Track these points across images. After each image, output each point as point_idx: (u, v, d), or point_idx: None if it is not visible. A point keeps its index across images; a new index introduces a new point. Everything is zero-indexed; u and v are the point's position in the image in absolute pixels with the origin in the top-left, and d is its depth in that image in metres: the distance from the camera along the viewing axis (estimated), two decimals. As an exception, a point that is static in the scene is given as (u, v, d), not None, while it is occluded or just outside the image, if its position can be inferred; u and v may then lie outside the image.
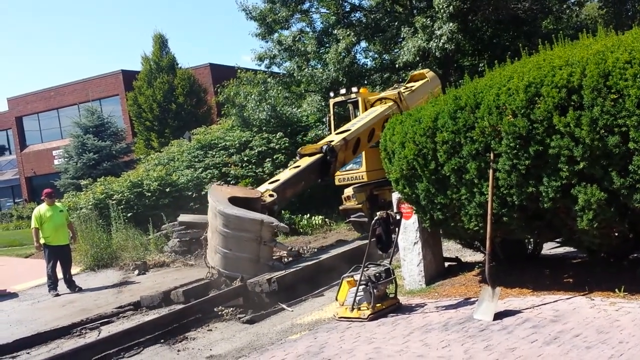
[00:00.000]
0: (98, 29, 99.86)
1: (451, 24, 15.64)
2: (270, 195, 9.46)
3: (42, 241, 11.32)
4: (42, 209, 11.42)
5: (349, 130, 11.06)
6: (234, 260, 8.51)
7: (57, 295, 11.09)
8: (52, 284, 11.26)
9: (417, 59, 16.77)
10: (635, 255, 6.45)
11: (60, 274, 11.44)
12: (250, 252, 8.57)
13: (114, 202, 15.22)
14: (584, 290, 5.76)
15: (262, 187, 10.09)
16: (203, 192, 15.90)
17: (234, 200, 8.99)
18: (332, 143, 10.45)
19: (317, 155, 10.24)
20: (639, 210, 5.02)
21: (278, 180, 10.19)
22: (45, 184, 31.89)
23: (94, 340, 7.27)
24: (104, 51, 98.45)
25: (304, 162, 10.36)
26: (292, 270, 8.50)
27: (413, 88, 12.93)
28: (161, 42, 28.41)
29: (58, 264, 11.39)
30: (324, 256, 9.38)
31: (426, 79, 13.18)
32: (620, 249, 6.03)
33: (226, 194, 9.26)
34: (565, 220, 5.55)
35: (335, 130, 12.32)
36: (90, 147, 24.74)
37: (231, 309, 7.96)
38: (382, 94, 12.93)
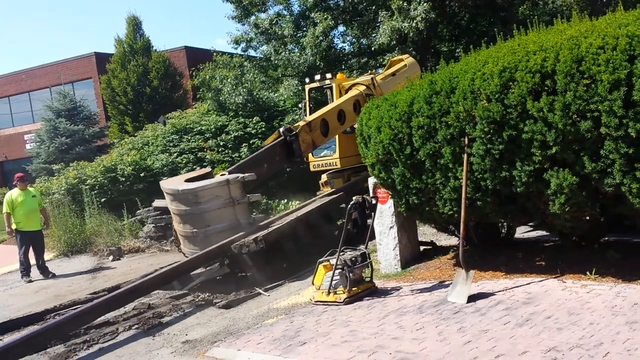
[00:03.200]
0: (70, 10, 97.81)
1: (425, 5, 15.63)
2: (222, 175, 9.40)
3: (13, 226, 11.14)
4: (14, 193, 11.23)
5: (314, 113, 11.07)
6: (216, 235, 8.40)
7: (30, 281, 10.95)
8: (25, 270, 11.11)
9: (393, 42, 16.73)
10: (606, 238, 6.57)
11: (33, 260, 11.28)
12: (229, 219, 8.48)
13: (87, 187, 15.04)
14: (556, 272, 5.86)
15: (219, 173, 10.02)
16: (179, 177, 15.77)
17: (190, 180, 8.94)
18: (295, 126, 10.42)
19: (278, 140, 10.20)
20: (610, 195, 5.10)
21: (235, 165, 10.16)
22: (17, 168, 31.30)
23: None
24: (76, 33, 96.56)
25: (265, 147, 10.34)
26: (275, 227, 8.41)
27: (387, 73, 12.93)
28: (135, 24, 27.90)
29: (30, 249, 11.24)
30: (303, 211, 9.30)
31: (404, 64, 13.18)
32: (591, 232, 6.13)
33: (180, 179, 9.22)
34: (537, 204, 5.62)
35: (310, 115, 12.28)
36: (62, 131, 24.32)
37: (207, 294, 7.94)
38: (356, 80, 12.92)
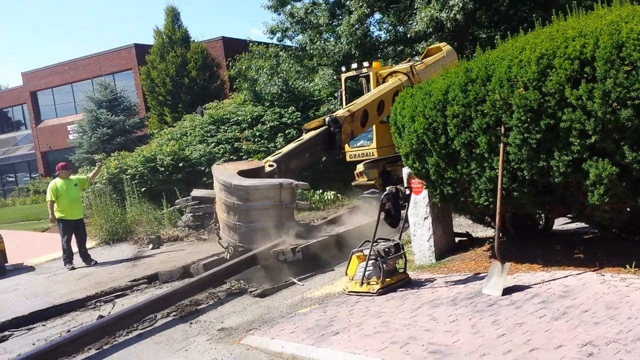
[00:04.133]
0: (110, 1, 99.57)
1: (465, -6, 15.38)
2: (270, 166, 9.44)
3: (57, 215, 11.45)
4: (58, 182, 11.53)
5: (356, 103, 10.98)
6: (257, 232, 8.47)
7: (73, 268, 11.27)
8: (68, 257, 11.44)
9: (430, 29, 16.52)
10: (647, 230, 6.38)
11: (75, 248, 11.60)
12: (274, 220, 8.52)
13: (127, 176, 15.37)
14: (595, 265, 5.71)
15: (264, 160, 10.05)
16: (215, 167, 15.96)
17: (242, 173, 8.98)
18: (336, 114, 10.37)
19: (321, 128, 10.18)
20: (652, 185, 4.95)
21: (280, 152, 10.16)
22: (60, 158, 32.02)
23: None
24: (117, 25, 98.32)
25: (308, 135, 10.31)
26: (315, 240, 8.48)
27: (426, 62, 12.78)
28: (173, 15, 28.26)
29: (73, 237, 11.55)
30: (345, 227, 9.34)
31: (442, 53, 13.00)
32: (632, 224, 5.95)
33: (233, 169, 9.23)
34: (576, 195, 5.49)
35: (346, 104, 12.23)
36: (103, 122, 24.89)
37: (242, 282, 8.04)
38: (394, 68, 12.79)
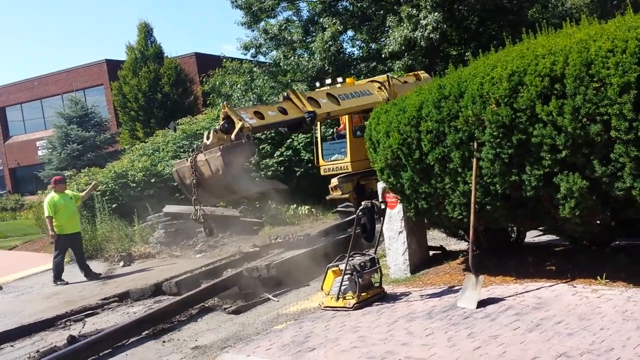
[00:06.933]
0: (82, 17, 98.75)
1: (436, 13, 15.66)
2: (247, 137, 9.09)
3: (55, 230, 11.18)
4: (55, 197, 11.23)
5: (338, 106, 10.87)
6: (209, 196, 9.16)
7: (66, 283, 11.06)
8: (58, 274, 11.21)
9: (403, 48, 16.77)
10: (617, 242, 6.51)
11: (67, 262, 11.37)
12: (225, 199, 9.18)
13: (98, 193, 15.11)
14: (567, 277, 5.81)
15: (245, 114, 9.41)
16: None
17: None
18: (318, 111, 10.27)
19: (299, 116, 10.15)
20: (621, 198, 5.06)
21: (263, 118, 9.60)
22: (29, 175, 31.53)
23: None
24: (88, 41, 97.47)
25: (290, 111, 9.95)
26: (289, 256, 8.54)
27: (403, 79, 12.98)
28: (146, 31, 28.12)
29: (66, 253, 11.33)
30: (319, 243, 9.44)
31: (419, 78, 13.28)
32: (602, 236, 6.07)
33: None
34: (548, 209, 5.58)
35: None
36: (74, 138, 24.52)
37: (216, 299, 7.96)
38: (372, 78, 12.96)
